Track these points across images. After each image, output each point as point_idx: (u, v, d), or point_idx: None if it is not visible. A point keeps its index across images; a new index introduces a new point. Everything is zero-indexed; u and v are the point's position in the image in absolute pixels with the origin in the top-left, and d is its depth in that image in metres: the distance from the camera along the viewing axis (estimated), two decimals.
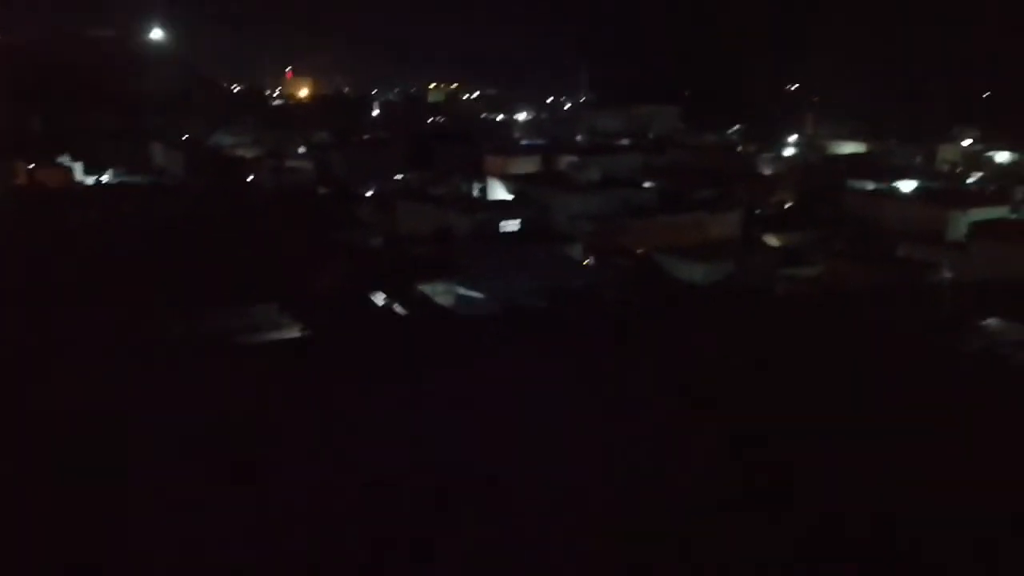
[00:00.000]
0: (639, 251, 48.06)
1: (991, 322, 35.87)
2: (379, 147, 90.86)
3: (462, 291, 28.00)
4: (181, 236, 39.03)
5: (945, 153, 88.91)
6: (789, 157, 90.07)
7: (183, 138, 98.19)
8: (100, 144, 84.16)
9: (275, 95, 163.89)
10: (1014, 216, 57.59)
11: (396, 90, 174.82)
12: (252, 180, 76.28)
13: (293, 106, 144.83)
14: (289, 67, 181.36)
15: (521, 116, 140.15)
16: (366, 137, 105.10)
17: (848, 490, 9.36)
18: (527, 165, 71.20)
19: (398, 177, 74.20)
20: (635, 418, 11.48)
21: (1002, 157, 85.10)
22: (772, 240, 55.15)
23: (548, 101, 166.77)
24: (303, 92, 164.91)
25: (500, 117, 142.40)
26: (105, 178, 77.84)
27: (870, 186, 69.81)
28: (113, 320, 20.40)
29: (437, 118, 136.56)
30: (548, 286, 22.24)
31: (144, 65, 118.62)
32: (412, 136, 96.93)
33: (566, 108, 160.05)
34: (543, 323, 16.18)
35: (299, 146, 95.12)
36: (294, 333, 21.13)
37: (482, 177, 68.48)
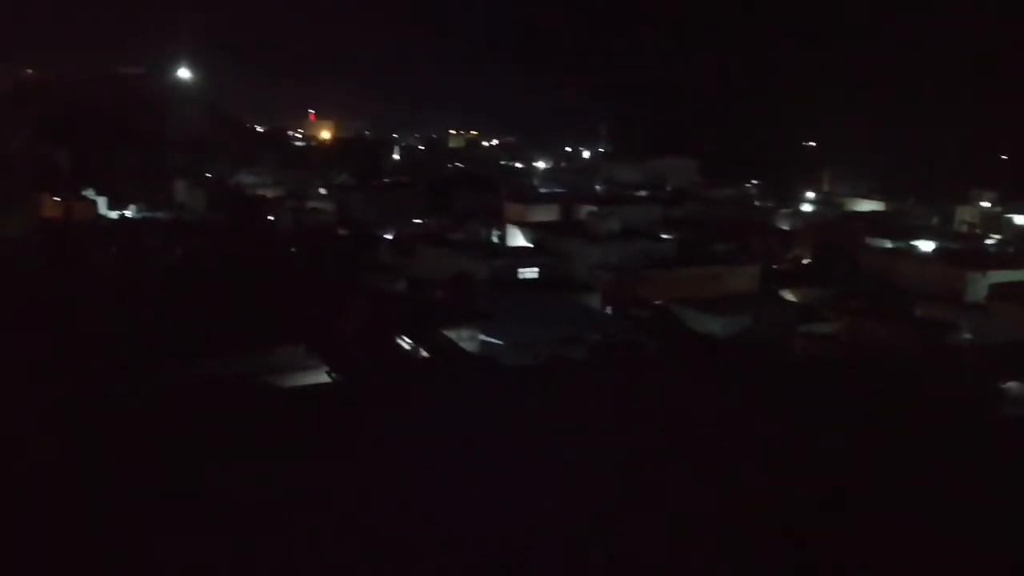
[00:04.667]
0: (657, 302, 48.16)
1: (1012, 385, 35.74)
2: (399, 190, 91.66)
3: (485, 337, 28.14)
4: (203, 274, 39.41)
5: (963, 214, 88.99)
6: (806, 213, 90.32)
7: (205, 176, 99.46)
8: (124, 179, 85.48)
9: (297, 137, 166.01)
10: None
11: (416, 135, 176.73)
12: (273, 219, 77.07)
13: (314, 148, 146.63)
14: (311, 110, 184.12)
15: (540, 164, 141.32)
16: (386, 180, 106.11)
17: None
18: (546, 213, 71.62)
19: (418, 221, 74.77)
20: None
21: (1021, 219, 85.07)
22: (789, 295, 55.19)
23: (566, 150, 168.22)
24: (325, 134, 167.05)
25: (519, 165, 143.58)
26: (128, 213, 78.87)
27: (887, 244, 69.83)
28: (136, 362, 20.48)
29: (457, 164, 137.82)
30: (574, 336, 22.39)
31: (170, 103, 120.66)
32: (432, 181, 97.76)
33: (584, 158, 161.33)
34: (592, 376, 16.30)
35: (320, 187, 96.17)
36: (321, 376, 21.24)
37: (501, 224, 68.90)
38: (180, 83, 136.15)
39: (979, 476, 11.31)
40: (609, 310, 46.95)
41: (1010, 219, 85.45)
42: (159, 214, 78.01)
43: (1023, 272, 58.60)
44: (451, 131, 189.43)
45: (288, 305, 29.16)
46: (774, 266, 62.69)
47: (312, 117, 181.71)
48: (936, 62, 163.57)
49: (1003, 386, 35.52)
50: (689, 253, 59.20)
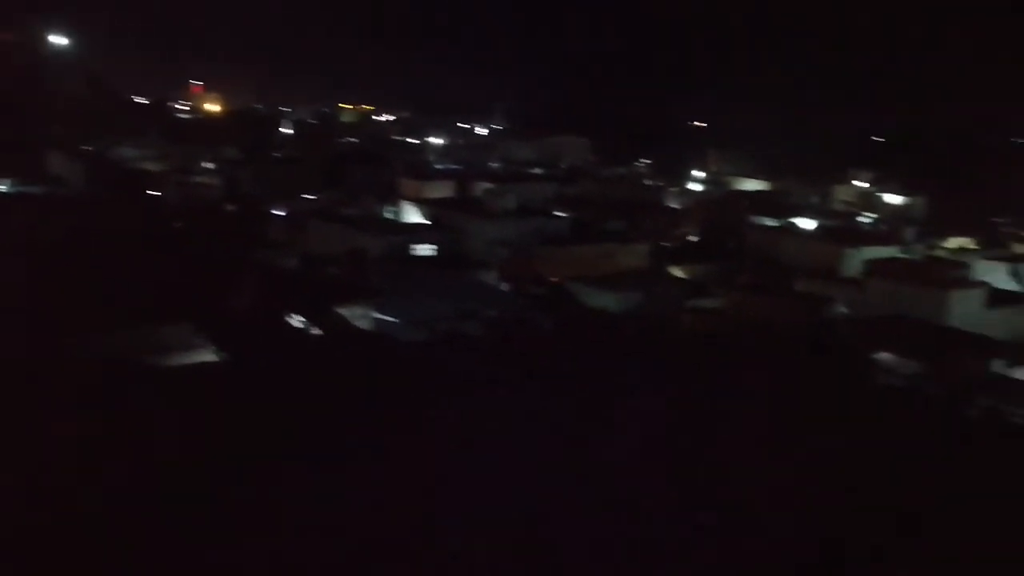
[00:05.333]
0: (552, 279, 48.73)
1: (885, 356, 37.77)
2: (290, 166, 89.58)
3: (379, 315, 27.88)
4: (84, 250, 37.64)
5: (841, 193, 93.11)
6: (694, 192, 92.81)
7: (83, 149, 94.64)
8: None
9: (182, 109, 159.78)
10: (904, 255, 60.62)
11: (308, 109, 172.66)
12: (157, 194, 74.11)
13: (201, 121, 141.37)
14: (196, 81, 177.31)
15: (435, 141, 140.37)
16: (277, 155, 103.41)
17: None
18: (442, 190, 71.41)
19: (310, 197, 73.29)
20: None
21: (893, 199, 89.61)
22: (678, 272, 56.68)
23: (462, 127, 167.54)
24: (211, 107, 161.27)
25: (413, 141, 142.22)
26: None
27: (771, 222, 72.46)
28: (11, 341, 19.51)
29: (350, 139, 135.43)
30: (469, 312, 22.43)
31: (43, 72, 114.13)
32: (324, 156, 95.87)
33: (480, 135, 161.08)
34: (500, 351, 16.20)
35: (207, 161, 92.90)
36: (209, 355, 20.65)
37: (396, 200, 68.32)
38: (54, 50, 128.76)
39: (848, 436, 11.94)
40: (505, 287, 47.24)
41: (883, 198, 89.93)
42: (34, 188, 73.86)
43: (895, 248, 62.03)
44: (344, 106, 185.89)
45: (174, 282, 28.18)
46: (664, 243, 64.25)
47: (197, 89, 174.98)
48: (818, 49, 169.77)
49: (875, 357, 37.59)
50: (582, 231, 60.07)
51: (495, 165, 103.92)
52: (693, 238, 71.00)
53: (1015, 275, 57.03)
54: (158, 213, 63.31)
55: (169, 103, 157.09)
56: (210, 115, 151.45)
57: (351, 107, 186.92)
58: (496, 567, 9.30)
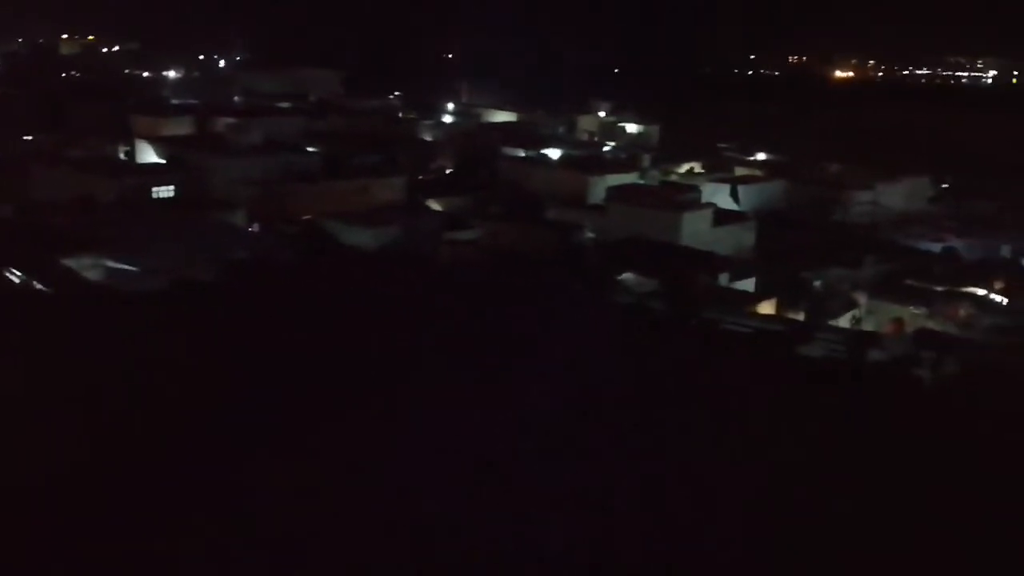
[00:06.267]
0: (305, 217, 47.37)
1: (627, 276, 40.34)
2: (2, 104, 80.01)
3: (114, 264, 25.77)
4: None
5: (584, 123, 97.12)
6: (448, 124, 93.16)
7: None
8: None
9: None
10: (642, 181, 64.54)
11: (20, 40, 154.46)
12: None
13: None
14: None
15: (170, 74, 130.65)
16: None
17: None
18: (180, 127, 66.77)
19: (28, 138, 66.06)
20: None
21: (631, 128, 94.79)
22: (435, 204, 57.04)
23: (200, 59, 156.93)
24: None
25: (147, 74, 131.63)
26: None
27: (521, 153, 74.39)
28: None
29: (72, 73, 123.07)
30: (213, 256, 21.15)
31: None
32: (42, 93, 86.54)
33: (220, 67, 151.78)
34: (217, 299, 15.21)
35: None
36: None
37: (129, 139, 63.13)
38: None
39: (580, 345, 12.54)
40: (256, 227, 45.32)
41: (623, 127, 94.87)
42: None
43: (634, 175, 65.90)
44: (63, 36, 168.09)
45: None
46: (420, 177, 64.23)
47: None
48: None
49: (619, 277, 40.08)
50: (335, 166, 58.61)
51: (237, 99, 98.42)
52: (449, 171, 71.49)
53: (734, 196, 62.51)
54: None
55: None
56: None
57: (72, 38, 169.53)
58: None
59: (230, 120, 66.36)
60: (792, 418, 9.80)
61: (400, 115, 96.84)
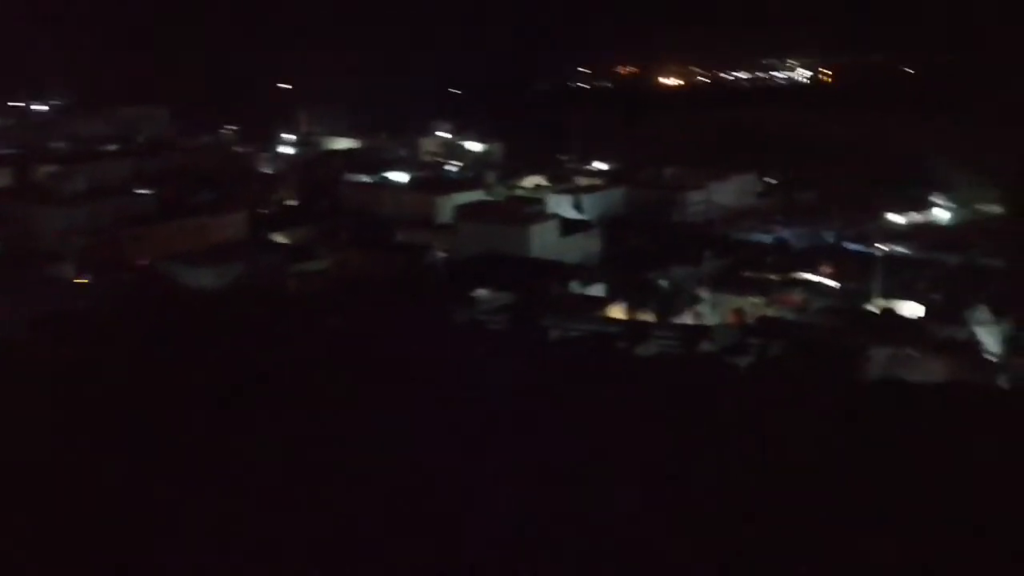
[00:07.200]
0: (142, 262, 45.36)
1: (481, 292, 40.62)
2: None
3: None
4: None
5: (427, 145, 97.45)
6: (287, 155, 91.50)
7: None
8: None
9: None
10: (489, 198, 65.33)
11: None
12: None
13: None
14: None
15: None
16: None
17: None
18: None
19: None
20: None
21: (474, 147, 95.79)
22: (280, 237, 55.81)
23: (13, 106, 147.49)
24: None
25: None
26: None
27: (366, 178, 73.98)
28: None
29: None
30: (31, 313, 19.88)
31: None
32: None
33: (39, 112, 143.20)
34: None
35: None
36: None
37: None
38: None
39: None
40: (87, 278, 42.96)
41: (466, 147, 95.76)
42: None
43: (481, 192, 66.66)
44: None
45: None
46: (261, 210, 62.70)
47: None
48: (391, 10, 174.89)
49: (472, 294, 40.29)
50: (170, 207, 56.57)
51: (60, 145, 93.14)
52: (291, 202, 70.12)
53: (578, 206, 64.13)
54: None
55: None
56: None
57: None
58: None
59: (52, 168, 62.89)
60: (581, 416, 10.03)
61: (236, 149, 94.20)
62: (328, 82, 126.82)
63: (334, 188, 69.77)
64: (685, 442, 9.09)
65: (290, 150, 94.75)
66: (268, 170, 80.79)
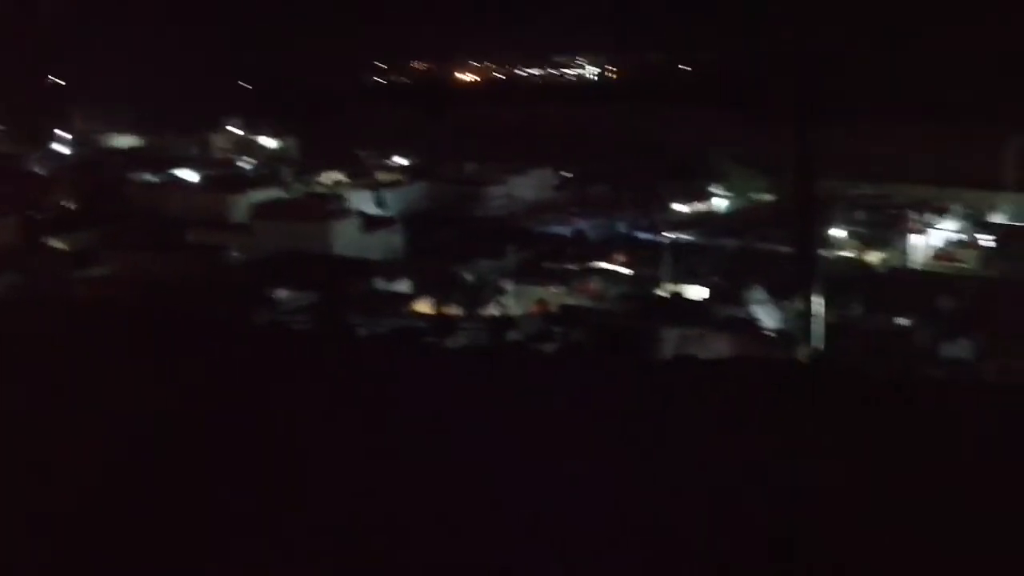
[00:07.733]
0: None
1: (282, 293, 39.55)
2: None
3: None
4: None
5: (218, 141, 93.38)
6: (63, 155, 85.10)
7: None
8: None
9: None
10: (286, 195, 63.55)
11: None
12: None
13: None
14: None
15: None
16: None
17: None
18: None
19: None
20: None
21: (269, 143, 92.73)
22: (59, 244, 52.15)
23: None
24: None
25: None
26: None
27: (152, 178, 70.14)
28: None
29: None
30: None
31: None
32: None
33: None
34: None
35: None
36: None
37: None
38: None
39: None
40: None
41: (259, 143, 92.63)
42: None
43: (277, 190, 64.75)
44: None
45: None
46: (36, 216, 58.18)
47: None
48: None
49: (272, 295, 39.14)
50: None
51: None
52: (71, 205, 65.31)
53: (378, 201, 63.75)
54: None
55: None
56: None
57: None
58: None
59: None
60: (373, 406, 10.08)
61: (3, 151, 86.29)
62: (105, 78, 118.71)
63: (117, 188, 65.68)
64: (499, 428, 9.26)
65: (66, 150, 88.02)
66: (42, 172, 74.74)
